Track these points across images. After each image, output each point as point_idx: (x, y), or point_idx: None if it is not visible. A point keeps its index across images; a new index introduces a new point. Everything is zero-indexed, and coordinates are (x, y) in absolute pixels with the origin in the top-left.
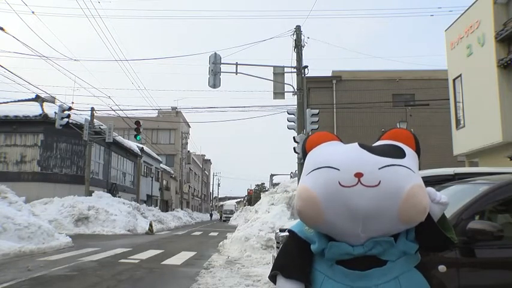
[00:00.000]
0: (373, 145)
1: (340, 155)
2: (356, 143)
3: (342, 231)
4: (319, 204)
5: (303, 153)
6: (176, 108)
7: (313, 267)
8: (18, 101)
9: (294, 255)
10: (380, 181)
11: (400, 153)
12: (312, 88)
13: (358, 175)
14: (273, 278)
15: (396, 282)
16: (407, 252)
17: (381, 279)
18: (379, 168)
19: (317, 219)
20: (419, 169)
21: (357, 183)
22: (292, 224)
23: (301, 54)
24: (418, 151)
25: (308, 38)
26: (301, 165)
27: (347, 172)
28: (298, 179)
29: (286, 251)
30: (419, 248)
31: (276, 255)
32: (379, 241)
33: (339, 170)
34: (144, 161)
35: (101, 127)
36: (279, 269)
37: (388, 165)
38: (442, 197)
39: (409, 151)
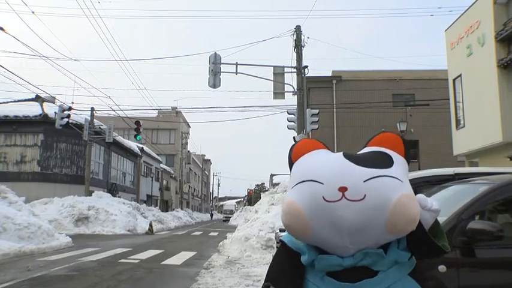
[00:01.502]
0: (359, 153)
1: (324, 167)
2: (341, 153)
3: (330, 243)
4: (305, 218)
5: (289, 163)
6: (176, 108)
7: (305, 278)
8: (18, 101)
9: (285, 266)
10: (365, 195)
11: (387, 162)
12: (312, 88)
13: (342, 189)
14: None
15: None
16: (399, 261)
17: None
18: (364, 181)
19: (303, 233)
20: (420, 169)
21: (341, 197)
22: None
23: (301, 54)
24: (407, 157)
25: (308, 38)
26: None
27: (331, 187)
28: None
29: (278, 262)
30: (412, 255)
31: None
32: (369, 253)
33: (322, 184)
34: (144, 161)
35: (101, 127)
36: (271, 280)
37: (373, 177)
38: (434, 203)
39: (397, 158)
